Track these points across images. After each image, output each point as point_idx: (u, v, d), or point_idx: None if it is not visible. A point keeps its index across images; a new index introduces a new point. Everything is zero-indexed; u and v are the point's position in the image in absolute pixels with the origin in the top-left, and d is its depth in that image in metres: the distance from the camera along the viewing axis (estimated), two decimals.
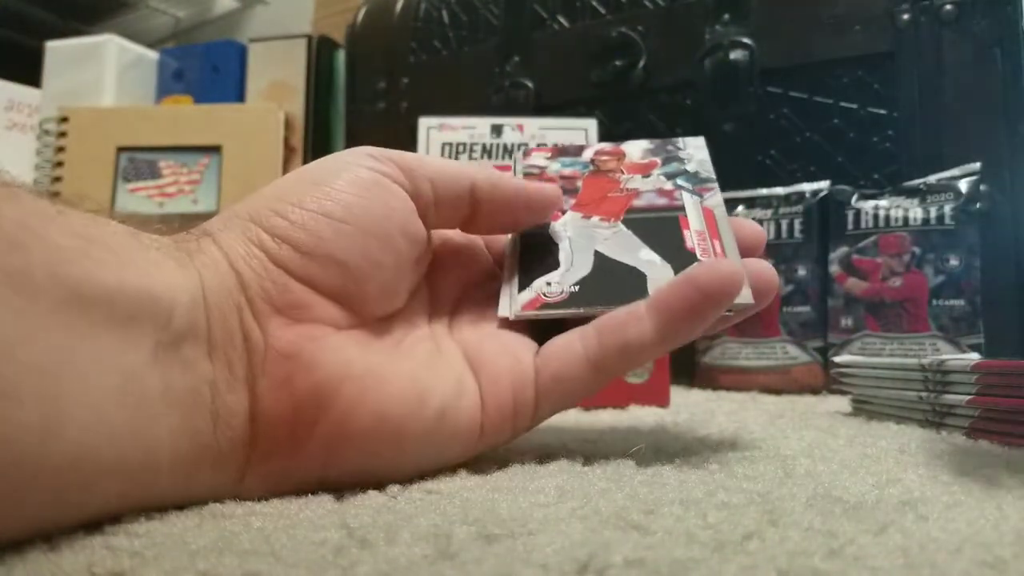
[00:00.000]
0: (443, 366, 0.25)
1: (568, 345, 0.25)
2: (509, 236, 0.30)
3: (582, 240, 0.29)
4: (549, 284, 0.28)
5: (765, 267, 0.27)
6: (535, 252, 0.29)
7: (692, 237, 0.29)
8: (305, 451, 0.22)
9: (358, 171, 0.24)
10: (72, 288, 0.17)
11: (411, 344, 0.25)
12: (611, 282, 0.27)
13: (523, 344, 0.26)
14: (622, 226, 0.30)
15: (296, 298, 0.22)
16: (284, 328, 0.21)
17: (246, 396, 0.21)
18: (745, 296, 0.25)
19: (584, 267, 0.28)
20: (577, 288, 0.27)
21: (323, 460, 0.22)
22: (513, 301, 0.27)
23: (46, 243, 0.17)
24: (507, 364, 0.25)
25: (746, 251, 0.28)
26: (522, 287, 0.28)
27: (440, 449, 0.24)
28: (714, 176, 0.32)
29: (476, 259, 0.29)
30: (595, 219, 0.30)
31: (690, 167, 0.33)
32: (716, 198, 0.31)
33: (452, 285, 0.28)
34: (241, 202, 0.24)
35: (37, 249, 0.17)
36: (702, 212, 0.30)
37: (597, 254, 0.28)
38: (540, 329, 0.27)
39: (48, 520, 0.17)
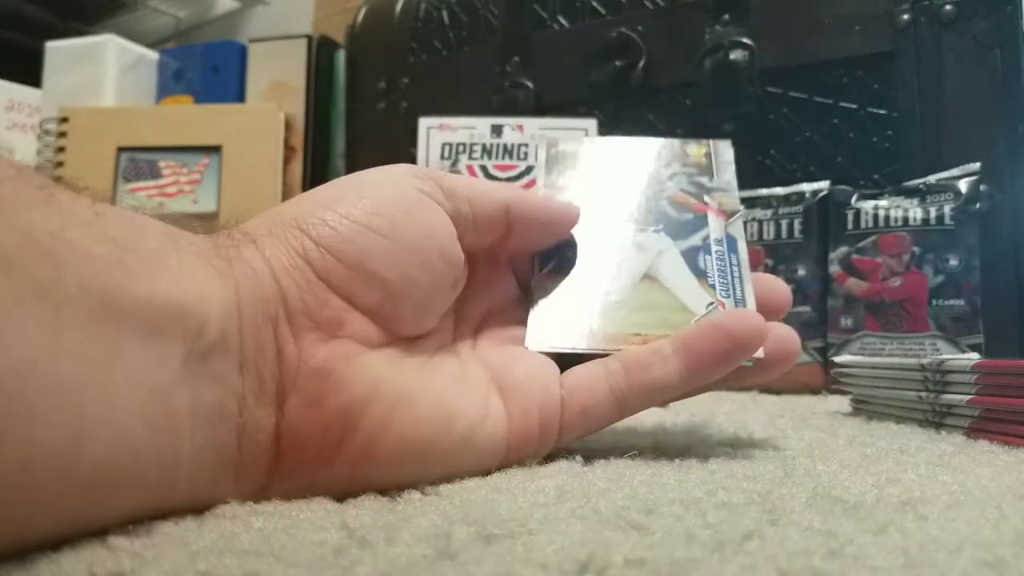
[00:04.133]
0: (469, 388, 0.25)
1: (593, 379, 0.26)
2: (536, 259, 0.30)
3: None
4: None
5: (789, 333, 0.27)
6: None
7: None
8: (329, 470, 0.21)
9: (404, 188, 0.24)
10: (103, 300, 0.16)
11: (438, 363, 0.25)
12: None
13: (549, 370, 0.26)
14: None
15: (334, 314, 0.22)
16: (318, 344, 0.21)
17: (274, 412, 0.21)
18: (758, 350, 0.26)
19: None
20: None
21: (347, 479, 0.22)
22: (537, 332, 0.27)
23: (78, 253, 0.16)
24: (537, 393, 0.25)
25: (770, 312, 0.28)
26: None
27: (464, 469, 0.24)
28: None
29: (503, 282, 0.29)
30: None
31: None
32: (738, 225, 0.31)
33: (478, 306, 0.28)
34: (284, 206, 0.23)
35: (68, 260, 0.16)
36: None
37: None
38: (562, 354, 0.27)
39: (60, 533, 0.16)
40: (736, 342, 0.25)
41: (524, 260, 0.30)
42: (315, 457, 0.21)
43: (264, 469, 0.21)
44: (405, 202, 0.23)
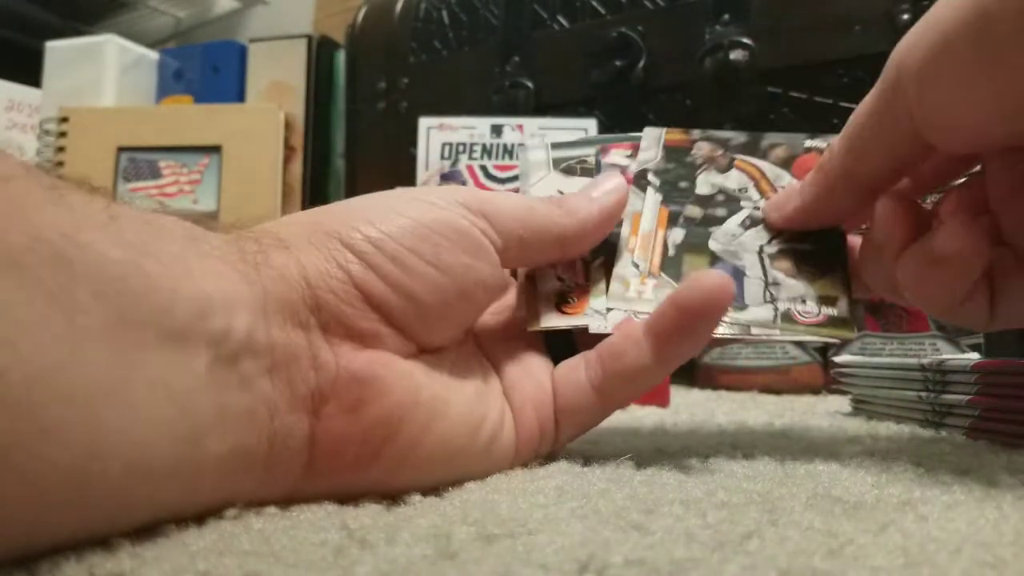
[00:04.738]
0: (490, 393, 0.25)
1: (574, 372, 0.26)
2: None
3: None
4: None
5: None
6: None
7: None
8: (365, 474, 0.21)
9: (452, 216, 0.23)
10: (119, 308, 0.16)
11: (462, 368, 0.25)
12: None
13: (542, 366, 0.26)
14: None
15: (370, 326, 0.21)
16: (355, 351, 0.21)
17: (307, 417, 0.20)
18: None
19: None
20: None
21: (381, 482, 0.22)
22: (545, 315, 0.27)
23: (92, 258, 0.16)
24: (531, 391, 0.25)
25: None
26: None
27: (482, 472, 0.24)
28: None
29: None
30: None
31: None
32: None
33: None
34: (322, 214, 0.23)
35: (82, 265, 0.15)
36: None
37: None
38: (554, 350, 0.27)
39: (74, 540, 0.16)
40: (692, 315, 0.23)
41: None
42: (353, 462, 0.21)
43: (296, 474, 0.20)
44: (451, 231, 0.23)
